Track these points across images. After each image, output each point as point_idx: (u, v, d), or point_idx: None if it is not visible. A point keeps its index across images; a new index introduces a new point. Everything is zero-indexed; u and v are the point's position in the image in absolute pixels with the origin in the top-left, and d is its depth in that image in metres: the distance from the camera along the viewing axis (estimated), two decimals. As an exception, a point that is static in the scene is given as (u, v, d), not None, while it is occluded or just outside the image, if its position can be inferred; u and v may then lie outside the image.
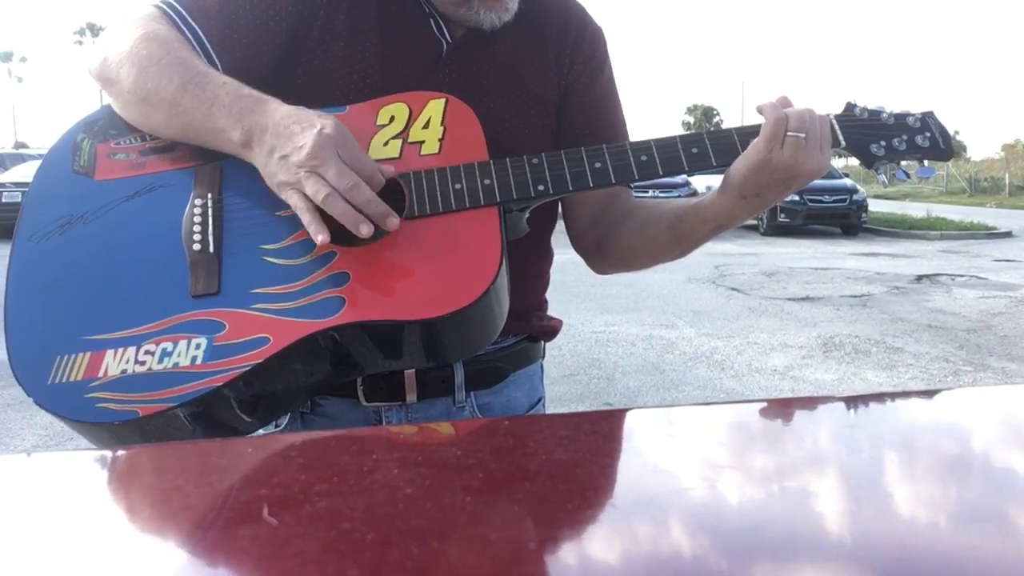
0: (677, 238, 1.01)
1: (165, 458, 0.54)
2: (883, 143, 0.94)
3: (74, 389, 0.80)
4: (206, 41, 0.95)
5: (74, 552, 0.39)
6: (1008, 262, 11.68)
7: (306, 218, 0.83)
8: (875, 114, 0.95)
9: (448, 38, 1.01)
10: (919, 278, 9.82)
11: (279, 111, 0.86)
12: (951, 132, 0.99)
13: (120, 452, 0.66)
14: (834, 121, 0.94)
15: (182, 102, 0.88)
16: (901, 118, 0.95)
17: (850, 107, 0.96)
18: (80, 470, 0.52)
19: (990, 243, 15.14)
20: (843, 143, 0.94)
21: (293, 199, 0.83)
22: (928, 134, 0.95)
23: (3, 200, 13.64)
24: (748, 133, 0.91)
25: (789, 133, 0.86)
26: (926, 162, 0.96)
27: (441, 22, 1.02)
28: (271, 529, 0.39)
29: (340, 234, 0.84)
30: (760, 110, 0.88)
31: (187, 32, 0.94)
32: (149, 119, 0.92)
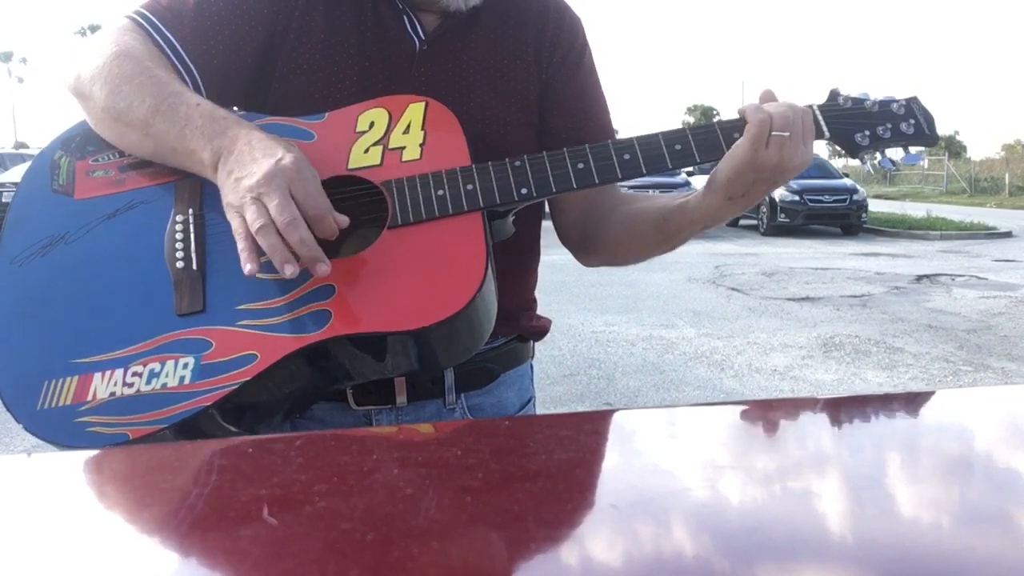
0: (664, 237, 1.02)
1: (165, 458, 0.54)
2: (867, 132, 0.93)
3: (64, 414, 0.79)
4: (182, 51, 0.94)
5: (74, 552, 0.39)
6: (1008, 262, 11.67)
7: (240, 244, 0.81)
8: (859, 102, 0.94)
9: (421, 35, 1.00)
10: (919, 278, 9.81)
11: (250, 136, 0.84)
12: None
13: (119, 452, 0.66)
14: (817, 112, 0.93)
15: (154, 123, 0.87)
16: (885, 105, 0.94)
17: (834, 95, 0.95)
18: (80, 470, 0.52)
19: (990, 243, 15.14)
20: (827, 135, 0.93)
21: (234, 222, 0.82)
22: (912, 120, 0.94)
23: (3, 200, 13.64)
24: (730, 128, 0.90)
25: (774, 133, 0.86)
26: (912, 148, 0.96)
27: (415, 19, 1.01)
28: (271, 529, 0.39)
29: (324, 243, 0.83)
30: (742, 113, 0.88)
31: (163, 43, 0.93)
32: (123, 138, 0.91)
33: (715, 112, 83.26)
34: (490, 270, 0.84)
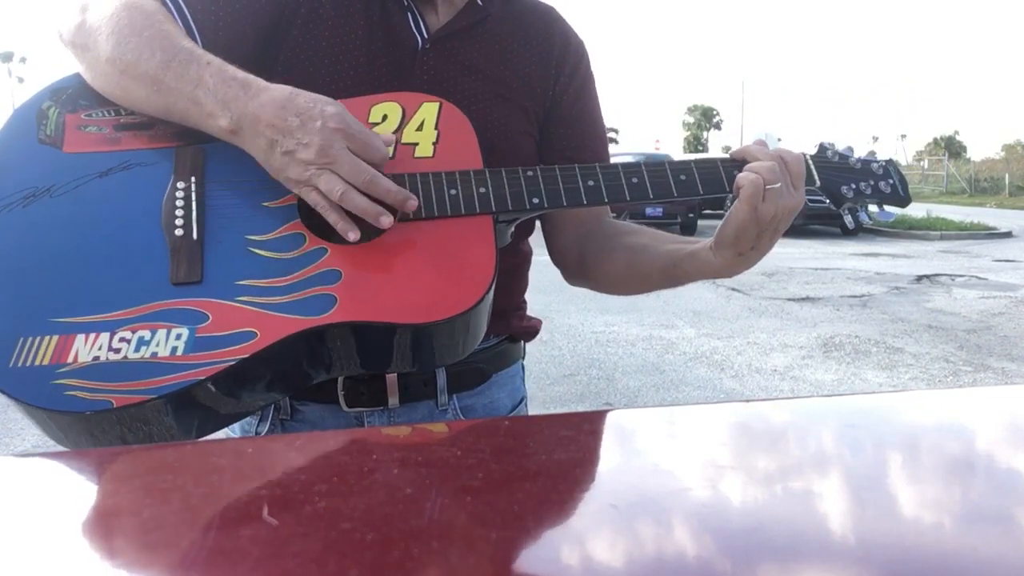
0: (669, 280, 1.04)
1: (165, 458, 0.54)
2: (853, 186, 1.00)
3: (39, 374, 0.75)
4: (189, 18, 0.92)
5: (73, 552, 0.39)
6: (1008, 262, 11.68)
7: (331, 217, 0.81)
8: (844, 158, 1.01)
9: (424, 34, 1.01)
10: (919, 278, 9.82)
11: (270, 97, 0.82)
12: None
13: (119, 452, 0.65)
14: (810, 161, 0.99)
15: (165, 80, 0.84)
16: (867, 164, 1.02)
17: (823, 149, 1.02)
18: (80, 470, 0.52)
19: (990, 243, 15.15)
20: (818, 183, 0.99)
21: (311, 197, 0.81)
22: (891, 181, 1.02)
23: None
24: (731, 165, 0.94)
25: (768, 188, 0.89)
26: (885, 206, 1.03)
27: (419, 16, 1.01)
28: (271, 529, 0.39)
29: (330, 230, 0.83)
30: (738, 184, 0.90)
31: (171, 7, 0.92)
32: (128, 93, 0.88)
33: (715, 112, 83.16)
34: (496, 274, 0.84)
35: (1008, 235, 16.57)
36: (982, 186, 38.38)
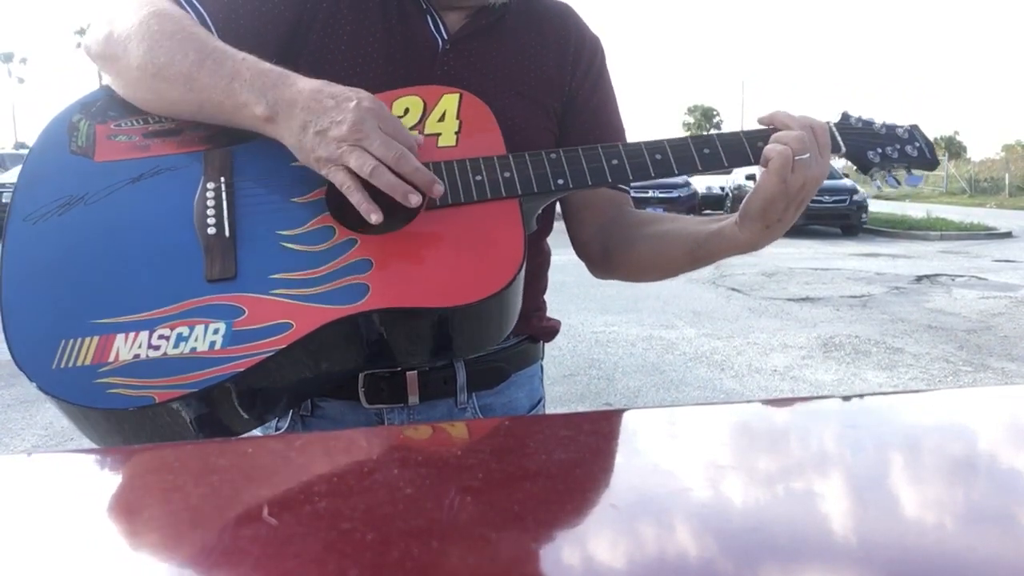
0: (695, 261, 1.04)
1: (165, 458, 0.54)
2: (879, 150, 1.00)
3: (82, 374, 0.77)
4: (211, 24, 0.94)
5: (74, 552, 0.39)
6: (1008, 262, 11.68)
7: (355, 197, 0.81)
8: (868, 124, 1.02)
9: (444, 35, 1.01)
10: (919, 278, 9.82)
11: (307, 85, 0.84)
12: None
13: (120, 452, 0.65)
14: (834, 128, 0.99)
15: (199, 77, 0.85)
16: (891, 129, 1.02)
17: (846, 116, 1.02)
18: (80, 470, 0.52)
19: (990, 243, 15.15)
20: (843, 149, 0.99)
21: (338, 176, 0.81)
22: (917, 144, 1.02)
23: (3, 200, 13.64)
24: (755, 137, 0.94)
25: (796, 158, 0.89)
26: (913, 171, 1.03)
27: (438, 18, 1.02)
28: (271, 529, 0.39)
29: (360, 221, 0.84)
30: (766, 156, 0.90)
31: (191, 13, 0.93)
32: (162, 95, 0.89)
33: (715, 112, 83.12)
34: (526, 254, 0.85)
35: (1008, 235, 16.57)
36: (982, 186, 38.40)
